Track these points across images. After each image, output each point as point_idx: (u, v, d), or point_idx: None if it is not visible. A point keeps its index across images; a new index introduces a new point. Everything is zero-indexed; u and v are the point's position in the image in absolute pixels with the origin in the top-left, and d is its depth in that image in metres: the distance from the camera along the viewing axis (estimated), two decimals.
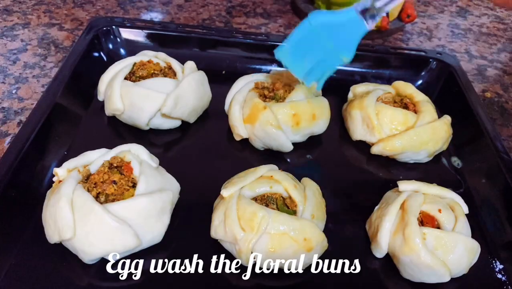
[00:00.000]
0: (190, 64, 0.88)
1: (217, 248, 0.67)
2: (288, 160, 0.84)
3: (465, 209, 0.72)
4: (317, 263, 0.67)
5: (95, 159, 0.69)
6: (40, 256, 0.64)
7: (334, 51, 0.74)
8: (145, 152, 0.72)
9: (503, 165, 0.80)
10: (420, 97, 0.88)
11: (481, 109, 0.91)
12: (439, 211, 0.68)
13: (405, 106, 0.87)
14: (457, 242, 0.65)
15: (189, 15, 1.26)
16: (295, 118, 0.81)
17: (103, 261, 0.63)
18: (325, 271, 0.67)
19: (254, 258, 0.63)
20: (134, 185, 0.66)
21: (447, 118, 0.86)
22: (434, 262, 0.63)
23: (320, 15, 0.74)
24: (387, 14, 1.21)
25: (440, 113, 0.88)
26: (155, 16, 1.25)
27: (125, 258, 0.64)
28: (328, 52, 0.75)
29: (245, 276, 0.65)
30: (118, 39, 1.01)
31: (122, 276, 0.63)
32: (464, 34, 1.35)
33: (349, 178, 0.83)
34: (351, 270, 0.68)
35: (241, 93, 0.85)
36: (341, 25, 0.73)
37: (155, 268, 0.65)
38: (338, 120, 0.93)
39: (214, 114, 0.90)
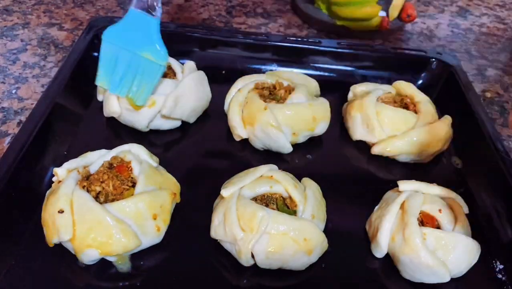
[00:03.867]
0: (190, 64, 0.88)
1: (217, 248, 0.67)
2: (288, 160, 0.84)
3: (465, 209, 0.72)
4: (317, 263, 0.67)
5: (95, 159, 0.69)
6: (39, 256, 0.64)
7: (146, 60, 0.74)
8: (145, 151, 0.72)
9: (503, 165, 0.80)
10: (420, 97, 0.88)
11: (481, 109, 0.91)
12: (439, 211, 0.68)
13: (405, 106, 0.87)
14: (457, 242, 0.65)
15: (189, 15, 1.26)
16: (296, 121, 0.81)
17: (103, 261, 0.63)
18: (325, 271, 0.67)
19: (253, 258, 0.63)
20: (134, 185, 0.66)
21: (447, 119, 0.86)
22: (434, 262, 0.63)
23: (109, 29, 0.74)
24: (387, 14, 1.21)
25: (440, 113, 0.88)
26: None
27: (125, 258, 0.64)
28: (137, 62, 0.74)
29: (245, 276, 0.65)
30: None
31: (121, 277, 0.63)
32: (464, 34, 1.35)
33: (349, 178, 0.83)
34: (351, 270, 0.68)
35: (241, 93, 0.85)
36: (127, 29, 0.73)
37: (155, 268, 0.65)
38: (338, 120, 0.93)
39: (214, 114, 0.90)
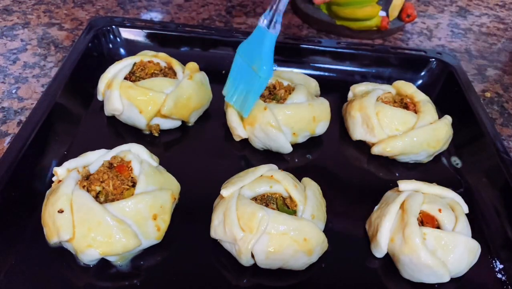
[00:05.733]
0: (192, 65, 0.88)
1: (217, 248, 0.67)
2: (288, 160, 0.84)
3: (465, 209, 0.72)
4: (317, 263, 0.67)
5: (95, 159, 0.69)
6: (40, 256, 0.63)
7: (252, 72, 0.77)
8: (145, 151, 0.72)
9: (503, 165, 0.80)
10: (420, 97, 0.88)
11: (481, 109, 0.91)
12: (439, 210, 0.68)
13: (405, 106, 0.87)
14: (457, 242, 0.65)
15: (189, 15, 1.26)
16: (296, 121, 0.81)
17: (103, 261, 0.63)
18: (325, 271, 0.67)
19: (253, 258, 0.63)
20: (134, 185, 0.66)
21: (447, 119, 0.86)
22: (434, 262, 0.63)
23: (242, 43, 0.79)
24: (387, 13, 1.21)
25: (440, 113, 0.88)
26: (155, 16, 1.25)
27: (125, 258, 0.64)
28: (247, 74, 0.78)
29: (245, 276, 0.65)
30: (118, 39, 1.01)
31: (121, 277, 0.63)
32: (464, 34, 1.35)
33: (349, 178, 0.83)
34: (351, 270, 0.68)
35: None
36: (251, 43, 0.77)
37: (155, 268, 0.65)
38: (338, 120, 0.93)
39: (214, 114, 0.90)
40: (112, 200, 0.64)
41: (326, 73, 1.03)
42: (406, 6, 1.23)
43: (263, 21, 0.75)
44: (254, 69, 0.76)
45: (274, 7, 0.74)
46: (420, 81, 1.03)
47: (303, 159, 0.85)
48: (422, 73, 1.04)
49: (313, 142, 0.87)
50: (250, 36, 0.78)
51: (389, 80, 0.98)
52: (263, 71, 0.75)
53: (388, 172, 0.85)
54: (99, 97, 0.87)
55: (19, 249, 0.64)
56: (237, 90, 0.80)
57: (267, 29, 0.75)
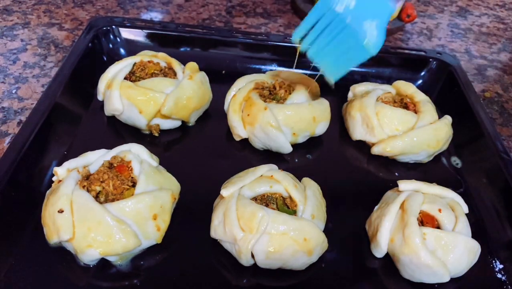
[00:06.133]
0: (192, 65, 0.88)
1: (217, 248, 0.67)
2: (288, 160, 0.84)
3: (465, 209, 0.72)
4: (317, 263, 0.67)
5: (95, 159, 0.69)
6: (40, 256, 0.63)
7: (354, 33, 0.63)
8: (145, 151, 0.72)
9: (503, 165, 0.80)
10: (420, 97, 0.88)
11: (481, 109, 0.91)
12: (439, 210, 0.68)
13: (405, 106, 0.87)
14: (457, 242, 0.65)
15: (189, 15, 1.26)
16: (296, 121, 0.81)
17: (103, 261, 0.63)
18: (325, 271, 0.67)
19: (253, 258, 0.63)
20: (134, 184, 0.66)
21: (447, 119, 0.86)
22: (434, 262, 0.63)
23: None
24: None
25: (440, 113, 0.88)
26: (155, 16, 1.25)
27: (125, 258, 0.64)
28: (346, 33, 0.64)
29: (245, 276, 0.65)
30: (118, 39, 1.01)
31: (121, 277, 0.63)
32: (464, 34, 1.35)
33: (349, 178, 0.83)
34: (351, 270, 0.68)
35: (241, 93, 0.85)
36: (362, 7, 0.63)
37: (155, 268, 0.65)
38: (338, 120, 0.93)
39: (214, 114, 0.90)
40: (112, 200, 0.64)
41: None
42: (406, 6, 1.23)
43: None
44: (360, 37, 0.63)
45: None
46: (420, 81, 1.03)
47: (303, 159, 0.85)
48: (422, 73, 1.04)
49: (313, 142, 0.87)
50: None
51: (389, 80, 0.98)
52: (374, 46, 0.63)
53: (388, 172, 0.85)
54: (99, 97, 0.87)
55: (19, 249, 0.64)
56: (320, 43, 0.67)
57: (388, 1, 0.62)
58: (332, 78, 0.68)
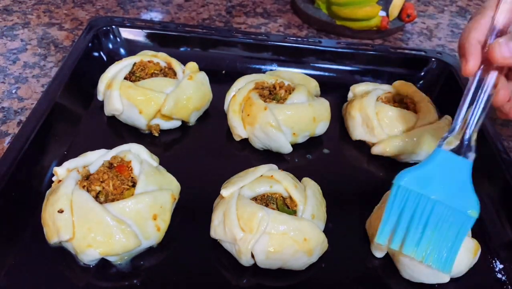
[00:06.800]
0: (192, 65, 0.88)
1: (217, 248, 0.67)
2: (288, 160, 0.84)
3: None
4: (317, 263, 0.67)
5: (95, 159, 0.69)
6: (39, 256, 0.63)
7: (446, 207, 0.57)
8: (145, 151, 0.72)
9: (503, 165, 0.80)
10: (420, 97, 0.88)
11: None
12: None
13: (405, 106, 0.87)
14: None
15: (189, 15, 1.26)
16: (296, 121, 0.81)
17: (103, 261, 0.63)
18: (325, 271, 0.67)
19: (253, 258, 0.63)
20: (134, 184, 0.66)
21: (448, 119, 0.86)
22: None
23: (406, 173, 0.58)
24: (387, 13, 1.21)
25: (440, 113, 0.88)
26: (155, 16, 1.25)
27: (125, 258, 0.64)
28: (436, 212, 0.58)
29: (245, 276, 0.65)
30: (118, 39, 1.01)
31: (121, 277, 0.63)
32: None
33: (349, 178, 0.83)
34: (351, 270, 0.68)
35: (241, 93, 0.85)
36: (434, 173, 0.58)
37: (155, 268, 0.65)
38: (338, 120, 0.93)
39: (214, 114, 0.90)
40: (112, 200, 0.64)
41: (326, 73, 1.03)
42: (406, 6, 1.23)
43: (443, 144, 0.58)
44: (455, 206, 0.57)
45: (463, 122, 0.57)
46: (420, 81, 1.03)
47: (303, 159, 0.85)
48: (422, 73, 1.04)
49: (313, 142, 0.87)
50: (424, 164, 0.58)
51: (389, 80, 0.98)
52: (474, 208, 0.57)
53: (388, 172, 0.85)
54: (99, 97, 0.87)
55: (19, 249, 0.64)
56: (413, 237, 0.58)
57: (456, 155, 0.58)
58: (446, 269, 0.59)
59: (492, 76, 0.57)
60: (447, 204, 0.57)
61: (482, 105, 0.57)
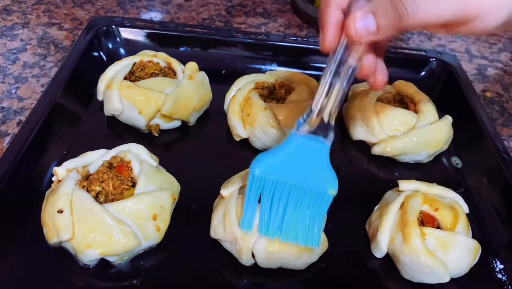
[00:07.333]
0: (192, 65, 0.88)
1: (217, 248, 0.67)
2: None
3: (465, 209, 0.72)
4: (317, 263, 0.67)
5: (95, 159, 0.69)
6: (39, 256, 0.63)
7: (307, 190, 0.59)
8: (145, 151, 0.72)
9: (503, 164, 0.80)
10: (421, 97, 0.88)
11: (481, 109, 0.91)
12: (439, 210, 0.68)
13: (406, 106, 0.87)
14: (457, 242, 0.65)
15: (189, 15, 1.26)
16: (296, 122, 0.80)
17: (103, 261, 0.63)
18: (325, 271, 0.67)
19: (254, 258, 0.63)
20: (134, 185, 0.66)
21: (448, 119, 0.86)
22: (434, 263, 0.63)
23: (261, 159, 0.58)
24: None
25: (440, 113, 0.88)
26: (155, 15, 1.25)
27: (125, 258, 0.64)
28: (295, 194, 0.59)
29: (245, 276, 0.65)
30: (118, 39, 1.01)
31: (121, 277, 0.63)
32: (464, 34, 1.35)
33: (349, 178, 0.83)
34: (351, 270, 0.68)
35: (241, 93, 0.85)
36: (291, 158, 0.57)
37: (155, 268, 0.65)
38: (338, 120, 0.93)
39: (214, 114, 0.90)
40: (112, 200, 0.64)
41: None
42: None
43: (299, 129, 0.57)
44: (316, 187, 0.59)
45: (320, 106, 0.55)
46: (420, 81, 1.03)
47: None
48: (422, 73, 1.04)
49: None
50: (277, 149, 0.58)
51: (389, 80, 0.97)
52: (333, 186, 0.59)
53: (388, 172, 0.85)
54: (99, 97, 0.87)
55: (19, 249, 0.64)
56: (280, 220, 0.60)
57: (312, 139, 0.57)
58: (314, 243, 0.62)
59: (357, 50, 0.50)
60: (304, 186, 0.58)
61: (344, 83, 0.53)
